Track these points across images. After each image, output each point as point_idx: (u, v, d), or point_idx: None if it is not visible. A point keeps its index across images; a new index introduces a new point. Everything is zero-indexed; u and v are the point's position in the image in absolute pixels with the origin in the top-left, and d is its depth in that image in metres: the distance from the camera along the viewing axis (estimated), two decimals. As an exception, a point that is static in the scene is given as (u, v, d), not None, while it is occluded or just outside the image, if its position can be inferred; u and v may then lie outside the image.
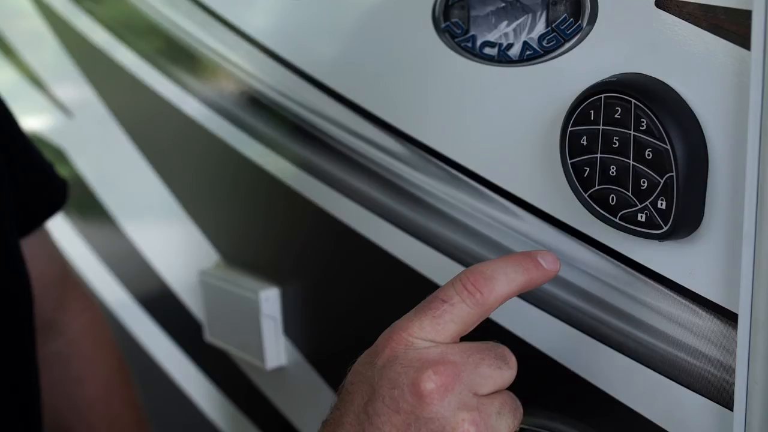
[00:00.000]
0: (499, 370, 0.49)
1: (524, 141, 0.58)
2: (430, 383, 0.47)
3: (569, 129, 0.53)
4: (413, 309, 0.51)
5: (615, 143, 0.51)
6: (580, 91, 0.52)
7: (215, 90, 0.85)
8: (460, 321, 0.49)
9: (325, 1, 0.71)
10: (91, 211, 1.13)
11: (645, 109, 0.49)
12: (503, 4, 0.57)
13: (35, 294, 0.73)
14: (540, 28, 0.55)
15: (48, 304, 0.85)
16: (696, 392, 0.52)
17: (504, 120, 0.59)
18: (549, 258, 0.52)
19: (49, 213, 0.85)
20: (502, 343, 0.51)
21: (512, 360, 0.50)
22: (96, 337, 0.92)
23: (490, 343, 0.50)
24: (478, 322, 0.50)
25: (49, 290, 0.85)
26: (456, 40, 0.60)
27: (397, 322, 0.51)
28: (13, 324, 0.70)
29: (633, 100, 0.49)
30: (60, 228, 1.15)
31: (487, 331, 0.52)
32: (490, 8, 0.57)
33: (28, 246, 0.74)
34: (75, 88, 1.10)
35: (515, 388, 0.51)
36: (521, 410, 0.50)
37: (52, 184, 0.85)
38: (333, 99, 0.71)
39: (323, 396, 0.82)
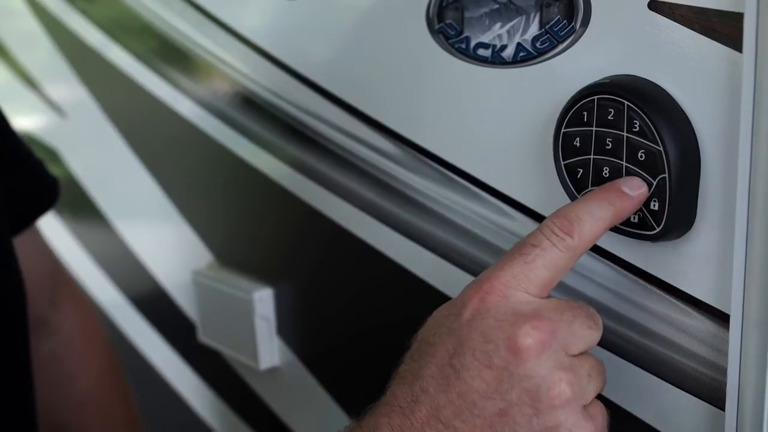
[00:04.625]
0: (589, 330, 0.47)
1: (518, 142, 0.58)
2: (528, 339, 0.45)
3: (563, 130, 0.53)
4: (500, 260, 0.48)
5: (608, 145, 0.51)
6: (574, 93, 0.52)
7: (209, 90, 0.85)
8: (552, 266, 0.47)
9: (319, 1, 0.71)
10: (84, 211, 1.13)
11: (638, 110, 0.49)
12: (497, 6, 0.57)
13: (27, 293, 0.73)
14: (533, 29, 0.55)
15: (40, 302, 0.84)
16: (688, 392, 0.53)
17: (498, 121, 0.59)
18: (633, 183, 0.49)
19: (41, 212, 0.84)
20: None
21: (600, 321, 0.48)
22: (88, 335, 0.92)
23: (580, 302, 0.48)
24: (569, 269, 0.48)
25: (41, 289, 0.85)
26: (450, 41, 0.60)
27: (484, 273, 0.48)
28: (7, 323, 0.70)
29: (626, 102, 0.49)
30: (53, 228, 1.15)
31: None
32: (484, 10, 0.58)
33: (20, 245, 0.73)
34: (68, 88, 1.09)
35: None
36: (606, 375, 0.49)
37: (43, 182, 0.85)
38: (327, 100, 0.71)
39: (316, 396, 0.82)
